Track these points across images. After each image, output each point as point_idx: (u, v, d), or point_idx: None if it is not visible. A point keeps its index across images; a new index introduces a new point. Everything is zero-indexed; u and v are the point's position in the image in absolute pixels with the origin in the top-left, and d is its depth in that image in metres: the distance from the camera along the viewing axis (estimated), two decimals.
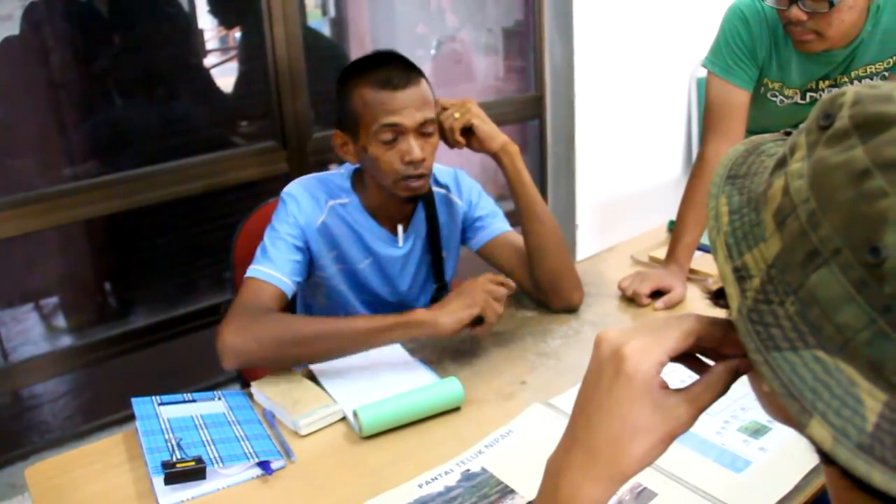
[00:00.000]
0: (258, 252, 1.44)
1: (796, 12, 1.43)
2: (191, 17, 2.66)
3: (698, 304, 1.61)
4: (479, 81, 3.56)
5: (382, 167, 1.39)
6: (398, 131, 1.37)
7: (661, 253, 1.78)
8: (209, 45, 2.83)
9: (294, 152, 2.28)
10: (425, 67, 3.57)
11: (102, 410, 2.22)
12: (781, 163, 0.53)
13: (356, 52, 3.33)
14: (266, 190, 2.46)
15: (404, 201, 1.49)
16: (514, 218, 1.58)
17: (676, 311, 1.58)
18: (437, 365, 1.40)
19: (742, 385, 1.28)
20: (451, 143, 1.49)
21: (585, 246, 2.93)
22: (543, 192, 3.02)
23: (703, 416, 1.20)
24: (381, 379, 1.33)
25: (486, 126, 1.49)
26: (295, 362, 1.35)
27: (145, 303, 2.50)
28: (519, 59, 3.46)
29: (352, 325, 1.33)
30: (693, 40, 3.13)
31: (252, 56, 2.74)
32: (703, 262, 1.70)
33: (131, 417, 1.24)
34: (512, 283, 1.40)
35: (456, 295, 1.35)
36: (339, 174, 1.54)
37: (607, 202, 3.01)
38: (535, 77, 2.90)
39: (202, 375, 2.35)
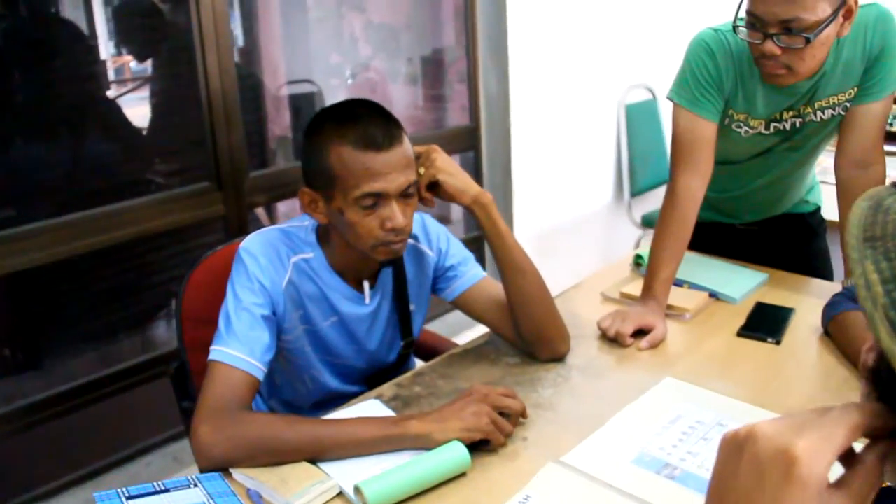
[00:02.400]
0: (222, 325, 1.30)
1: (771, 47, 1.42)
2: (94, 49, 2.48)
3: (678, 340, 1.58)
4: (398, 111, 3.49)
5: (360, 232, 1.28)
6: (381, 197, 1.26)
7: (632, 289, 1.75)
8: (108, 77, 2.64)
9: (230, 193, 2.13)
10: (343, 96, 3.50)
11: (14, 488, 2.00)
12: None
13: (270, 81, 3.21)
14: (195, 234, 2.30)
15: (380, 264, 1.39)
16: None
17: (659, 350, 1.55)
18: None
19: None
20: (420, 201, 1.38)
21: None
22: None
23: None
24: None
25: (453, 180, 1.39)
26: (275, 465, 1.20)
27: (59, 367, 2.27)
28: (437, 88, 3.42)
29: (338, 434, 1.20)
30: (622, 67, 3.18)
31: (165, 89, 2.58)
32: (679, 297, 1.67)
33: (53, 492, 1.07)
34: (520, 405, 1.26)
35: (457, 410, 1.20)
36: (303, 227, 1.41)
37: (544, 231, 2.98)
38: (471, 108, 2.84)
39: (128, 440, 2.15)
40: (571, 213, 3.10)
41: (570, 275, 1.94)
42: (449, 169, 1.38)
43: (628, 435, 1.24)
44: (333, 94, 3.49)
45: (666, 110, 3.52)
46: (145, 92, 2.63)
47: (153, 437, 2.12)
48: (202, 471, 1.20)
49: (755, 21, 1.43)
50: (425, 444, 1.19)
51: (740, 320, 1.62)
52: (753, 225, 1.93)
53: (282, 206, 3.12)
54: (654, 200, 3.52)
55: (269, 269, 1.34)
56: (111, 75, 2.69)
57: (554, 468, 1.16)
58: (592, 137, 3.15)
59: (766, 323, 1.59)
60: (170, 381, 1.63)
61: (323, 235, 1.40)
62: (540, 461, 1.19)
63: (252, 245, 1.36)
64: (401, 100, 3.46)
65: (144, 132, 2.55)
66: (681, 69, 1.64)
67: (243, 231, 2.17)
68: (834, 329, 1.50)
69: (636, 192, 3.36)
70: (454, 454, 1.17)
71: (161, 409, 2.19)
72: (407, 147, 1.28)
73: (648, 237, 3.43)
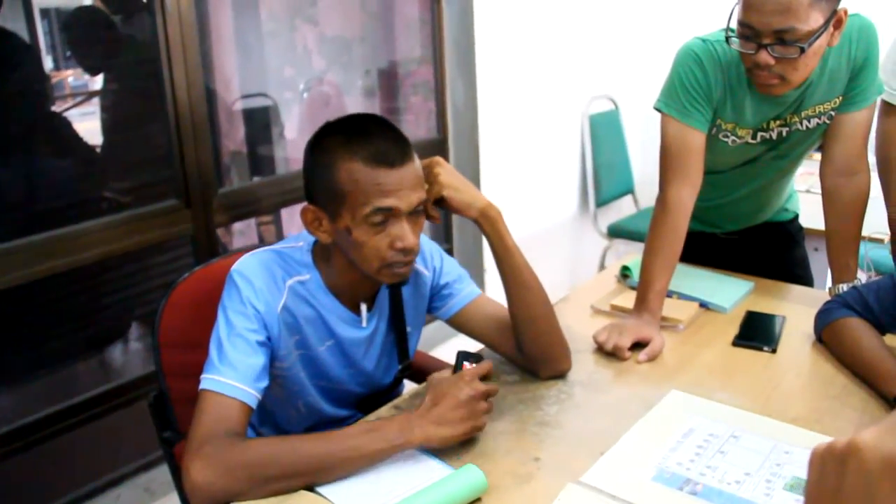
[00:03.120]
0: (214, 352, 1.22)
1: (765, 57, 1.42)
2: (41, 63, 2.37)
3: (674, 352, 1.56)
4: None
5: (367, 253, 1.23)
6: (391, 215, 1.21)
7: (622, 301, 1.73)
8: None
9: (199, 211, 2.04)
10: (297, 110, 3.43)
11: None
12: None
13: (224, 94, 3.13)
14: (154, 253, 2.21)
15: (386, 286, 1.36)
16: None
17: (658, 362, 1.53)
18: (433, 449, 1.24)
19: (767, 439, 1.23)
20: (426, 217, 1.34)
21: (494, 289, 2.85)
22: (449, 235, 2.93)
23: (743, 478, 1.14)
24: (385, 476, 1.16)
25: (459, 195, 1.35)
26: (279, 494, 1.13)
27: (14, 394, 2.14)
28: (394, 101, 3.38)
29: (342, 449, 1.14)
30: (584, 78, 3.19)
31: (121, 103, 2.48)
32: (671, 308, 1.66)
33: None
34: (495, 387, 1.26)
35: (455, 410, 1.18)
36: (297, 248, 1.34)
37: None
38: (438, 119, 2.81)
39: (95, 472, 2.04)
40: (538, 225, 3.09)
41: None
42: (454, 183, 1.34)
43: (644, 451, 1.21)
44: (288, 108, 3.42)
45: (628, 120, 3.55)
46: (89, 107, 2.53)
47: (121, 467, 2.02)
48: None
49: (748, 32, 1.43)
50: (428, 444, 1.19)
51: (733, 329, 1.62)
52: (734, 234, 1.94)
53: (238, 224, 3.03)
54: (619, 210, 3.54)
55: (263, 292, 1.27)
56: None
57: (575, 489, 1.13)
58: (558, 148, 3.15)
59: (759, 331, 1.59)
60: (149, 409, 1.55)
61: (320, 256, 1.34)
62: (557, 482, 1.15)
63: (245, 268, 1.29)
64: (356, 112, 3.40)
65: (98, 149, 2.45)
66: (668, 79, 1.64)
67: (213, 251, 2.09)
68: (829, 337, 1.50)
69: (601, 203, 3.38)
70: (470, 480, 1.12)
71: (129, 438, 2.09)
72: (418, 164, 1.24)
73: (615, 247, 3.45)
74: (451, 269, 1.49)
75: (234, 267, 1.29)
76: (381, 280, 1.28)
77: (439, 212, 1.36)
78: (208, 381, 1.20)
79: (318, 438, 1.17)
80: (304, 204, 1.28)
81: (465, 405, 1.18)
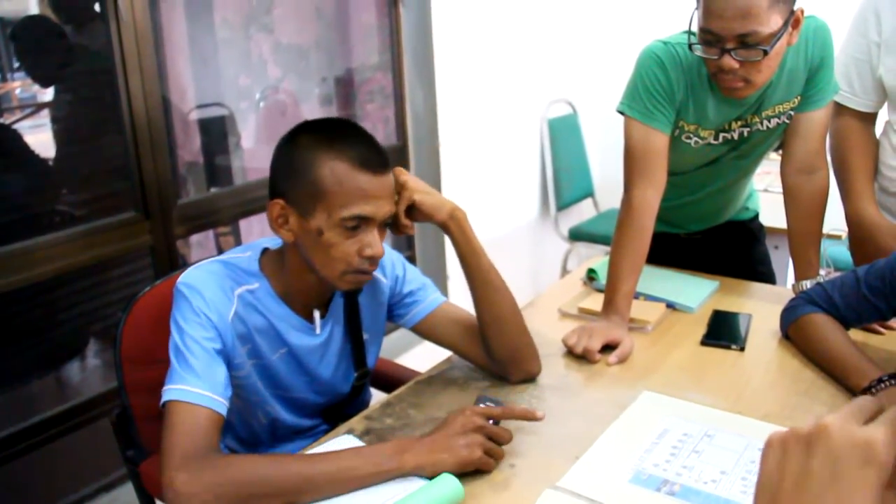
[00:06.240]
0: (175, 361, 1.19)
1: (729, 61, 1.44)
2: None
3: (644, 353, 1.57)
4: None
5: (334, 256, 1.21)
6: (365, 222, 1.20)
7: (590, 303, 1.74)
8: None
9: (158, 223, 2.00)
10: (253, 119, 3.39)
11: None
12: None
13: (179, 104, 3.08)
14: (112, 266, 2.15)
15: (342, 293, 1.34)
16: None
17: (628, 364, 1.53)
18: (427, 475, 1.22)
19: (740, 437, 1.23)
20: (399, 229, 1.33)
21: (457, 295, 2.85)
22: (410, 242, 2.91)
23: (719, 477, 1.15)
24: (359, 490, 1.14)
25: (429, 198, 1.34)
26: None
27: None
28: (352, 109, 3.36)
29: (331, 470, 1.12)
30: (542, 82, 3.20)
31: (73, 114, 2.42)
32: (638, 309, 1.67)
33: None
34: (509, 434, 1.21)
35: (450, 440, 1.15)
36: (245, 257, 1.32)
37: None
38: (398, 126, 2.79)
39: (54, 495, 1.98)
40: (500, 230, 3.10)
41: None
42: (422, 188, 1.34)
43: (619, 454, 1.21)
44: (244, 117, 3.38)
45: (587, 124, 3.58)
46: (39, 119, 2.47)
47: (82, 489, 1.96)
48: None
49: (711, 38, 1.44)
50: (420, 475, 1.14)
51: (701, 329, 1.63)
52: (697, 234, 1.96)
53: (195, 236, 2.98)
54: (579, 214, 3.56)
55: (215, 301, 1.24)
56: None
57: (552, 495, 1.12)
58: (518, 153, 3.16)
59: (727, 330, 1.61)
60: (112, 427, 1.50)
61: (268, 264, 1.32)
62: (534, 488, 1.14)
63: (192, 279, 1.25)
64: None
65: (51, 161, 2.38)
66: (631, 82, 1.65)
67: (173, 263, 2.05)
68: (795, 333, 1.52)
69: (562, 207, 3.40)
70: (447, 489, 1.11)
71: (88, 458, 2.03)
72: (391, 177, 1.24)
73: (577, 250, 3.47)
74: (414, 277, 1.49)
75: (179, 279, 1.26)
76: (338, 286, 1.27)
77: (411, 225, 1.35)
78: (174, 391, 1.16)
79: (304, 459, 1.15)
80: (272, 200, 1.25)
81: (461, 434, 1.15)
